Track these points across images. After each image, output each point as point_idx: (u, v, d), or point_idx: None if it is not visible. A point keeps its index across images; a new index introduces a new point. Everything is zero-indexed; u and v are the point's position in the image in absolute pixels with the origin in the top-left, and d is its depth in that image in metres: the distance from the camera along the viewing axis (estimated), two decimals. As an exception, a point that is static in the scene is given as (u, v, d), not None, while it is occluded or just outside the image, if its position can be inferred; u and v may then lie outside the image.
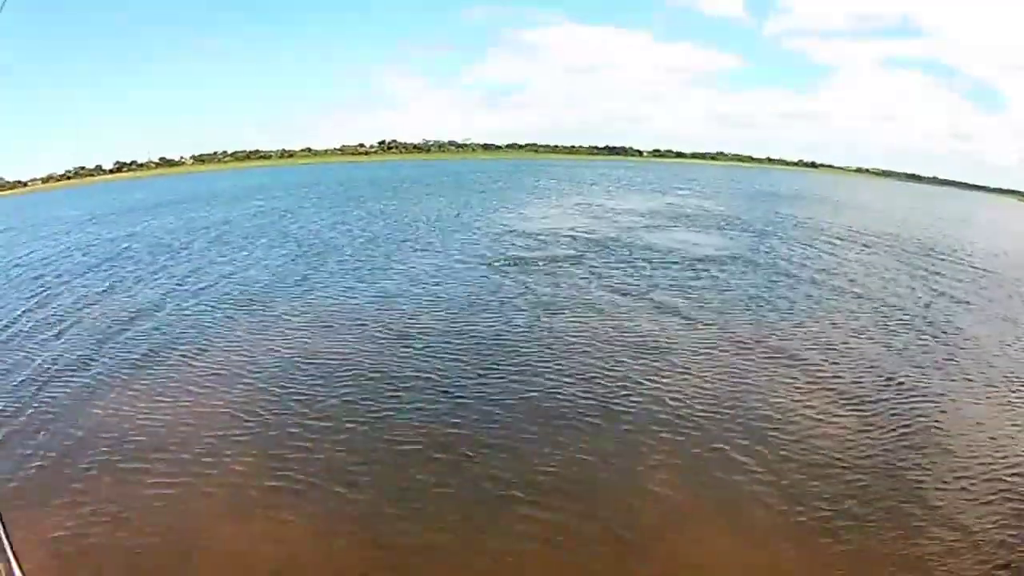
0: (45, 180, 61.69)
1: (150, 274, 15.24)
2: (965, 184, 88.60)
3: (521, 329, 10.75)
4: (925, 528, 6.05)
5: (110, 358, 9.60)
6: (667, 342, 10.28)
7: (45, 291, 13.82)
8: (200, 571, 5.29)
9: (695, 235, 21.66)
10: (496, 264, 15.59)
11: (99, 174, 60.86)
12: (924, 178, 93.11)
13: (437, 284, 13.69)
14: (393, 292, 13.05)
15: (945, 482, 6.85)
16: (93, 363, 9.44)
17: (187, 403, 8.00)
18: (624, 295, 12.89)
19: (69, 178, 62.32)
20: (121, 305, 12.40)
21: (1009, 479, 6.93)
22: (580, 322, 11.10)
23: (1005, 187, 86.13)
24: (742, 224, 24.98)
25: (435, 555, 5.54)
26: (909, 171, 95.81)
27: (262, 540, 5.59)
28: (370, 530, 5.79)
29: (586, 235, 20.15)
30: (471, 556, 5.54)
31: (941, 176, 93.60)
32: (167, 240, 20.26)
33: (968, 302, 14.57)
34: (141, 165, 63.12)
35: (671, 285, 13.86)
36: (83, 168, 62.47)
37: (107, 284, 14.29)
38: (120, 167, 62.03)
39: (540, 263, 15.77)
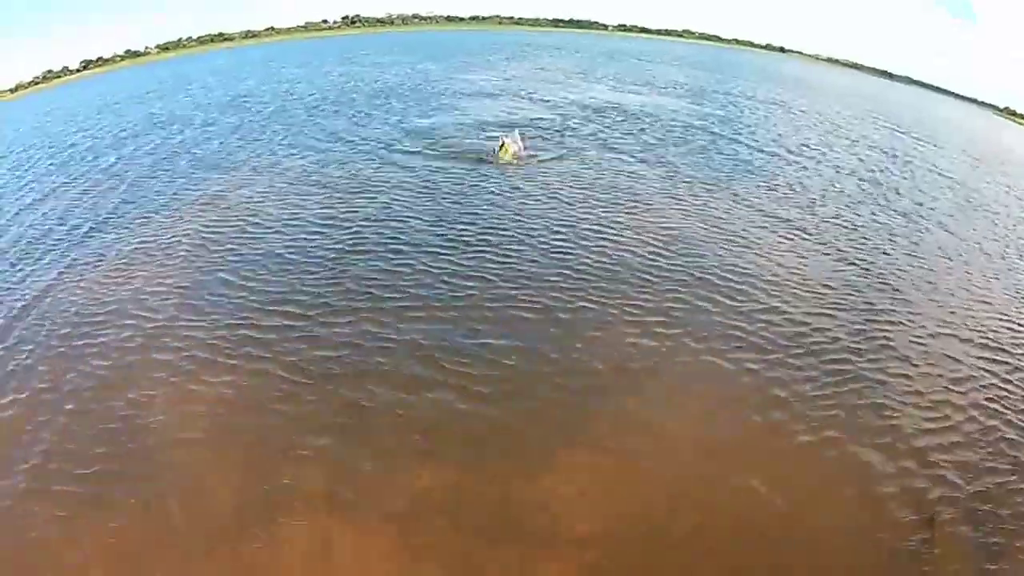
0: (14, 90, 61.58)
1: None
2: (939, 88, 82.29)
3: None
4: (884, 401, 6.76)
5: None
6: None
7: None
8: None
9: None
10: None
11: (67, 75, 60.63)
12: (896, 76, 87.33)
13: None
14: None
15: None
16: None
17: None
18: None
19: (38, 83, 62.09)
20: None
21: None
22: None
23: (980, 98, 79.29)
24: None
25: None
26: (881, 67, 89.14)
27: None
28: (309, 395, 6.49)
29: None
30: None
31: (914, 76, 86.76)
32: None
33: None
34: (108, 60, 62.63)
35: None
36: (50, 71, 61.99)
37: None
38: (86, 65, 61.65)
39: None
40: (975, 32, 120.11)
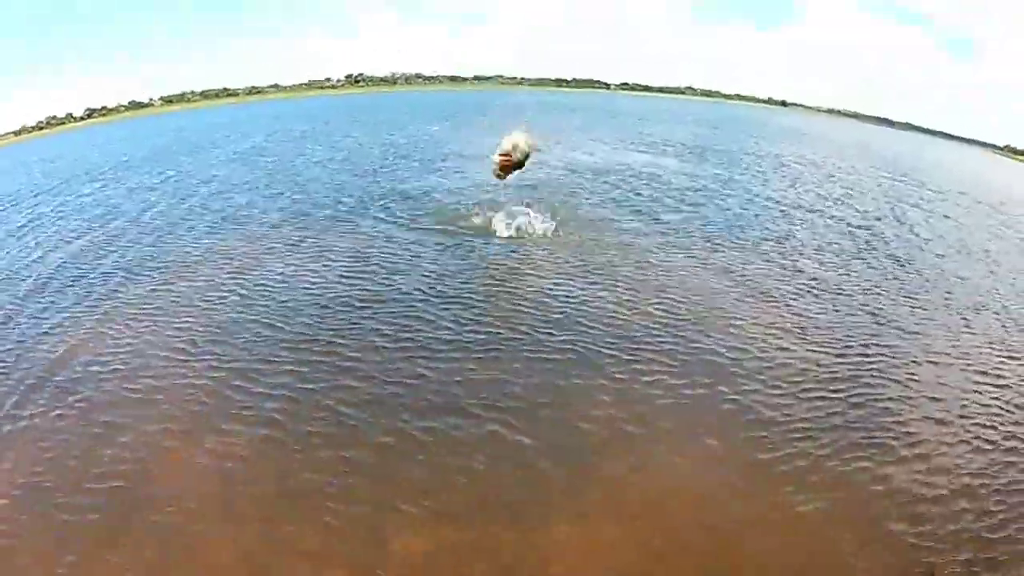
0: (18, 133, 62.48)
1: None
2: (938, 132, 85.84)
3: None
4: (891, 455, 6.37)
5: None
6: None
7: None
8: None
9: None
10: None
11: (70, 122, 61.74)
12: (896, 123, 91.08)
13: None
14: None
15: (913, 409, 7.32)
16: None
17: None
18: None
19: (41, 128, 63.10)
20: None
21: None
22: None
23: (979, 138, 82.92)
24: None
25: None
26: (881, 115, 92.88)
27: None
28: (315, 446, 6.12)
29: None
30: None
31: (914, 123, 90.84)
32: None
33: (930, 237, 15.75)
34: (111, 110, 63.93)
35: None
36: (54, 117, 63.19)
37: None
38: (90, 113, 62.86)
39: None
40: (975, 72, 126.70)
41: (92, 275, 11.53)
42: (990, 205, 23.18)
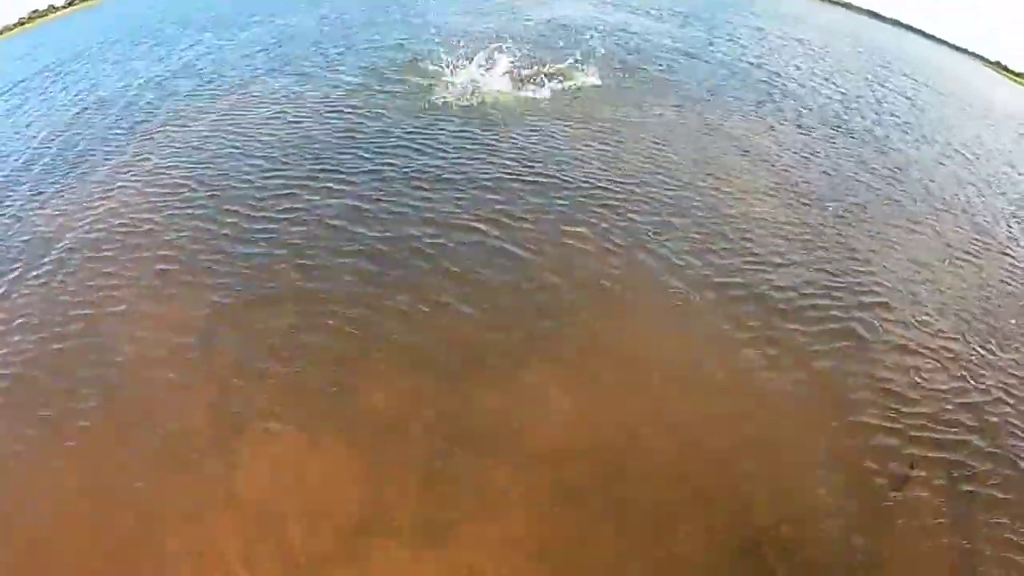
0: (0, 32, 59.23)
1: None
2: (926, 34, 77.38)
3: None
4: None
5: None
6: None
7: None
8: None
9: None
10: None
11: (52, 12, 58.10)
12: (884, 17, 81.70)
13: None
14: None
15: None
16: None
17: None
18: None
19: (23, 23, 59.61)
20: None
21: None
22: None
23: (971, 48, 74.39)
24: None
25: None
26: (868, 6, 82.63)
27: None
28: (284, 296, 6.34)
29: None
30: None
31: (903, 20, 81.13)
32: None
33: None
34: None
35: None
36: (36, 11, 59.39)
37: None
38: (71, 1, 58.89)
39: None
40: None
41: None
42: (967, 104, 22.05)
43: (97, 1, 57.52)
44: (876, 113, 14.91)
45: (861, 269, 7.49)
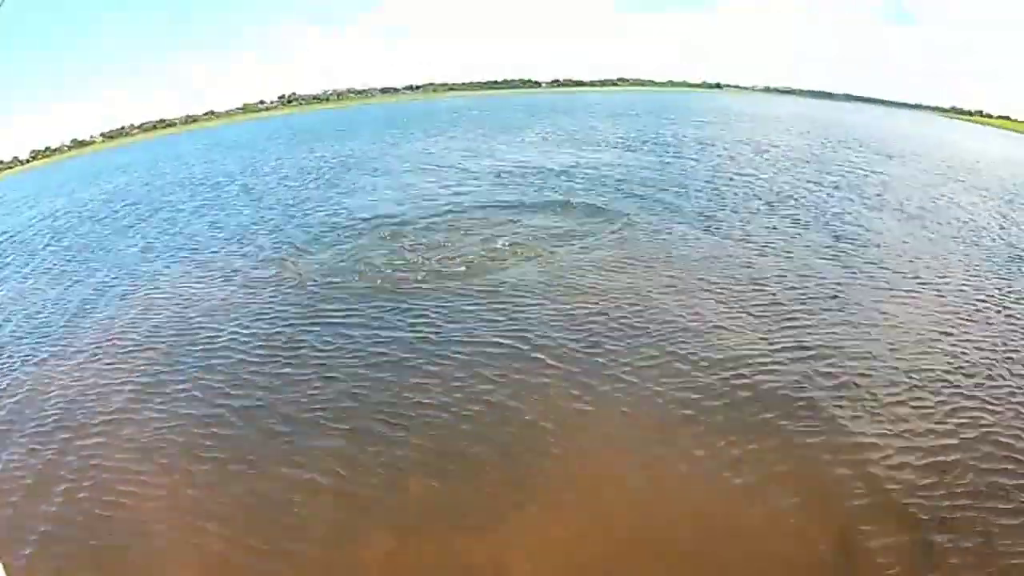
0: (-39, 179, 65.21)
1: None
2: (878, 100, 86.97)
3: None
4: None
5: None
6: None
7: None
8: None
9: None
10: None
11: (17, 165, 64.81)
12: (836, 95, 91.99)
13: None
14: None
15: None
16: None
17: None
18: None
19: (-15, 174, 66.01)
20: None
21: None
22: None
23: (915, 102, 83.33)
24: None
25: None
26: (816, 88, 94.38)
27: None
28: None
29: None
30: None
31: (854, 93, 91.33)
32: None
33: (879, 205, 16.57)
34: (55, 150, 67.63)
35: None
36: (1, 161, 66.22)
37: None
38: (35, 155, 66.11)
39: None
40: (913, 33, 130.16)
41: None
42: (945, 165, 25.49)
43: (59, 157, 64.75)
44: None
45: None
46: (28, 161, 65.16)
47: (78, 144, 69.82)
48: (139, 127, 75.71)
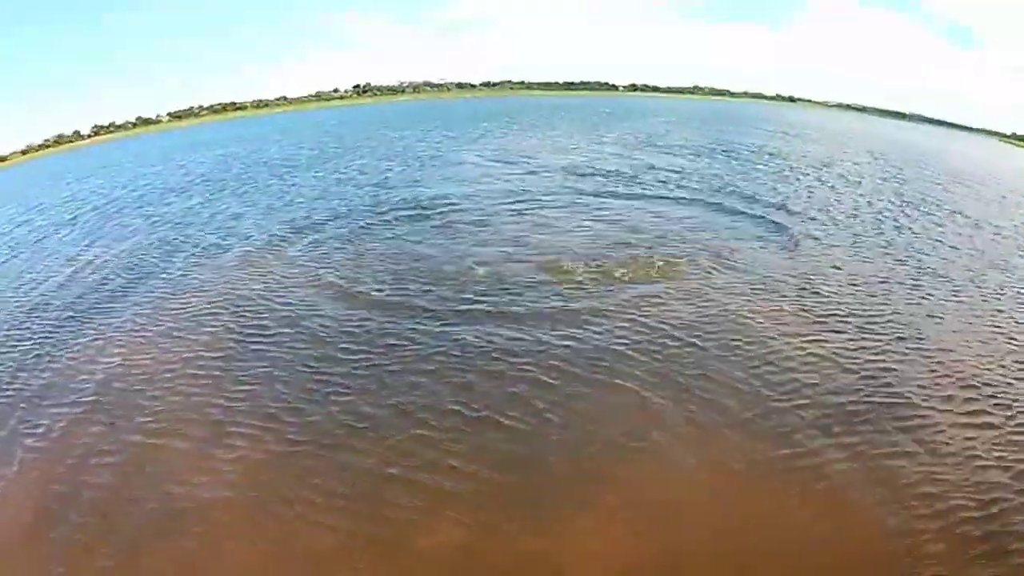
0: (25, 152, 61.54)
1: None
2: (949, 123, 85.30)
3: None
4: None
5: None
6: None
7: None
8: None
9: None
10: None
11: (78, 139, 60.79)
12: (907, 115, 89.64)
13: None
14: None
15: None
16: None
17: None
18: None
19: (48, 147, 62.18)
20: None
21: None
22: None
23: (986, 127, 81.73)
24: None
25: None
26: (891, 108, 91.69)
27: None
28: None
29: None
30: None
31: (926, 114, 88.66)
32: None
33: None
34: (120, 126, 62.97)
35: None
36: (62, 135, 62.26)
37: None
38: (99, 130, 61.97)
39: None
40: (977, 58, 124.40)
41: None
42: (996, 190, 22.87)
43: (124, 133, 60.69)
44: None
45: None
46: (91, 136, 60.81)
47: (144, 122, 64.94)
48: (208, 108, 70.68)
